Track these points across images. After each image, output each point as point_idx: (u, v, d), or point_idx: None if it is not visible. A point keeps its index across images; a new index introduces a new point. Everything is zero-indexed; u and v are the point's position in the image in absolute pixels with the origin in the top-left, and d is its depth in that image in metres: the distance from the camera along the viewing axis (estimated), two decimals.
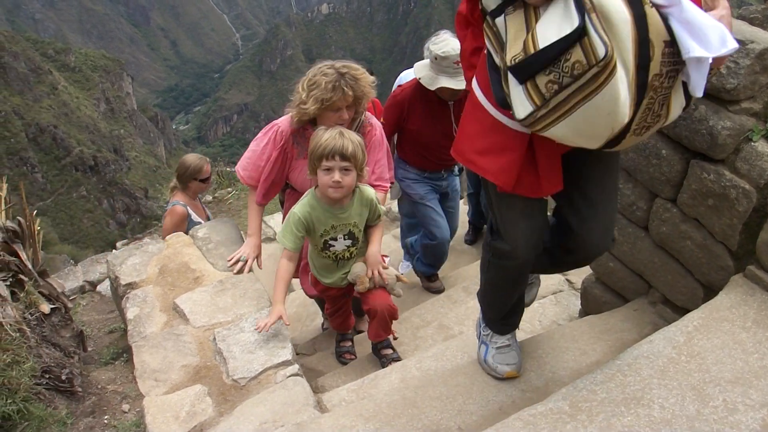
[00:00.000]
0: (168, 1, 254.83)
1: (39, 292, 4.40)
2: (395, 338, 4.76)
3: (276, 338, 4.02)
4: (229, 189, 13.77)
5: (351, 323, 4.97)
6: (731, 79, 2.77)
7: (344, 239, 4.10)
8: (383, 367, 4.31)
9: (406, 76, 6.37)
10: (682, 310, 3.29)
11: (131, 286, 4.72)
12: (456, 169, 6.09)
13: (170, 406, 3.65)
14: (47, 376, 3.84)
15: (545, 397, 2.63)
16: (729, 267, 3.04)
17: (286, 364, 3.85)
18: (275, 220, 10.26)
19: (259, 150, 4.56)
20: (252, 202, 4.73)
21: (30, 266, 4.48)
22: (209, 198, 13.20)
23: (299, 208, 3.98)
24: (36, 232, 4.94)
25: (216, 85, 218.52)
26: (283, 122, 4.51)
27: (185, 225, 6.13)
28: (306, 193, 4.08)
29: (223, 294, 4.47)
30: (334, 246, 4.11)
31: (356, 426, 2.91)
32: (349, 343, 5.01)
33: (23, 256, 4.47)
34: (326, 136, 3.74)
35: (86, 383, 4.16)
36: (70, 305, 4.71)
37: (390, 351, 4.58)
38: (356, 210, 4.06)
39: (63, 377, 3.95)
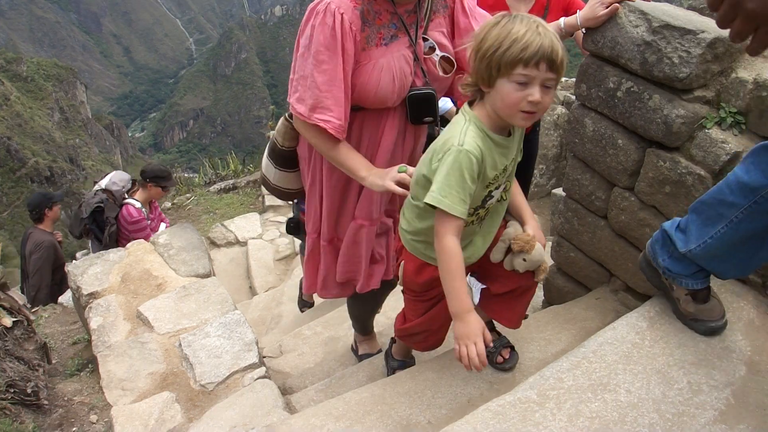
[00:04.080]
0: (120, 8, 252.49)
1: (0, 306, 4.35)
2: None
3: (242, 342, 4.01)
4: (188, 195, 13.70)
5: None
6: (684, 68, 2.81)
7: (503, 184, 2.70)
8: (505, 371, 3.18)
9: None
10: (643, 297, 3.33)
11: (93, 295, 4.68)
12: None
13: (139, 414, 3.63)
14: (12, 390, 3.80)
15: (513, 388, 2.65)
16: None
17: (253, 367, 3.85)
18: (236, 224, 10.22)
19: (324, 57, 2.81)
20: (334, 145, 2.99)
21: None
22: (168, 204, 13.13)
23: (470, 144, 2.41)
24: None
25: (171, 90, 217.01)
26: None
27: None
28: (461, 117, 2.53)
29: (186, 300, 4.45)
30: (491, 199, 2.67)
31: (327, 425, 2.91)
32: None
33: None
34: (521, 29, 2.25)
35: (52, 396, 4.12)
36: (32, 318, 4.66)
37: (509, 349, 3.25)
38: (519, 136, 2.69)
39: (28, 390, 3.91)
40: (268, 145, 3.57)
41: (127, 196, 6.82)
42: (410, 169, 2.82)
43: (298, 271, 6.46)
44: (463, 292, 2.52)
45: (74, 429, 3.88)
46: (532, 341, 3.35)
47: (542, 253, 2.79)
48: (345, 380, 3.75)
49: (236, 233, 9.95)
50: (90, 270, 4.95)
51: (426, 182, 2.54)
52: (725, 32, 2.82)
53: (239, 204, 12.70)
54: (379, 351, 4.25)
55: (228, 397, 3.66)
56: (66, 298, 7.14)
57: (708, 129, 2.84)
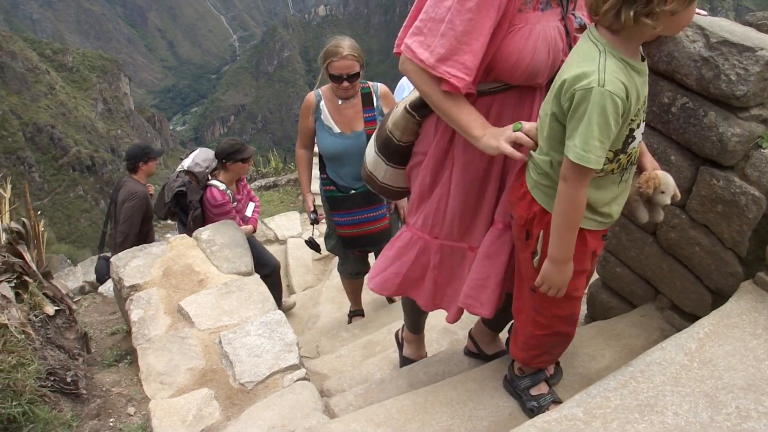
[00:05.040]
0: (165, 2, 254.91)
1: (43, 294, 4.40)
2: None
3: (282, 342, 4.02)
4: None
5: None
6: (741, 85, 2.77)
7: (642, 120, 2.46)
8: (532, 413, 2.93)
9: (406, 82, 6.19)
10: (689, 316, 3.29)
11: (135, 288, 4.72)
12: None
13: (177, 409, 3.65)
14: (52, 378, 3.84)
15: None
16: (738, 273, 3.03)
17: (293, 368, 3.85)
18: (276, 222, 10.22)
19: (472, 5, 2.44)
20: (450, 97, 2.60)
21: (34, 267, 4.48)
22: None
23: (612, 82, 2.16)
24: (40, 233, 4.94)
25: (213, 86, 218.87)
26: None
27: (308, 119, 5.19)
28: (592, 45, 2.26)
29: (228, 297, 4.47)
30: (634, 140, 2.42)
31: (367, 431, 2.90)
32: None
33: (27, 257, 4.47)
34: None
35: (91, 385, 4.16)
36: (74, 307, 4.71)
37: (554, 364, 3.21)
38: None
39: (68, 379, 3.95)
40: (378, 140, 3.20)
41: (210, 178, 6.40)
42: (526, 124, 2.54)
43: (336, 272, 6.45)
44: (574, 242, 2.45)
45: (111, 420, 3.91)
46: (575, 356, 3.32)
47: (667, 174, 2.68)
48: (385, 386, 3.74)
49: (276, 231, 9.97)
50: (132, 262, 5.00)
51: (556, 123, 2.34)
52: None
53: (279, 202, 12.75)
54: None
55: (267, 398, 3.67)
56: (106, 287, 7.19)
57: (764, 149, 2.80)
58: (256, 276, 4.81)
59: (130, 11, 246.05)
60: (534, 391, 3.03)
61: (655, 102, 3.19)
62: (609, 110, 2.14)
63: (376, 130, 3.26)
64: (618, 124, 2.21)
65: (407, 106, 2.97)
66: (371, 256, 5.74)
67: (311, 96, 5.16)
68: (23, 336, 3.76)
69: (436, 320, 4.86)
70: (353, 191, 5.10)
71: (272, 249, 9.74)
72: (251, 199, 6.70)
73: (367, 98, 4.99)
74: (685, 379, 2.55)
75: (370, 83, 5.08)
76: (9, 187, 5.01)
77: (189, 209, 6.05)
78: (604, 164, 2.33)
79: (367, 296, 6.30)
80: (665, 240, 3.34)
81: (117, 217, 7.03)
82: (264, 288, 4.58)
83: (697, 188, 3.05)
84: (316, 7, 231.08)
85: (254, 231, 6.48)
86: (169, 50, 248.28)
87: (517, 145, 2.51)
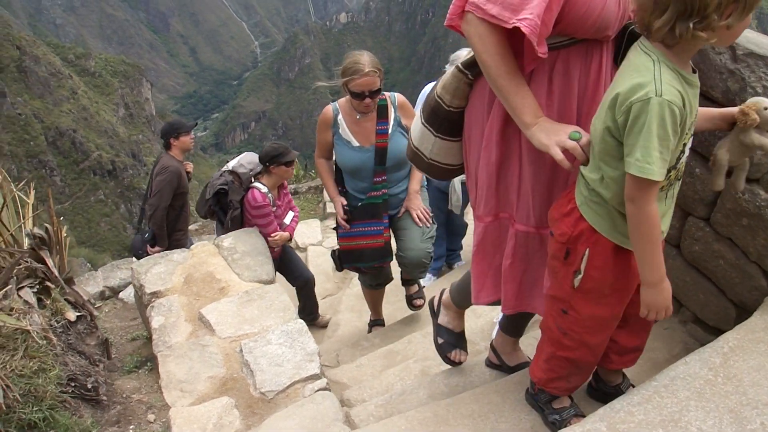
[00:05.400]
0: (187, 8, 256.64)
1: (65, 300, 4.43)
2: None
3: (303, 351, 4.01)
4: None
5: None
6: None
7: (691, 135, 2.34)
8: (554, 427, 2.93)
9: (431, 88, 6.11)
10: (713, 330, 3.26)
11: (156, 294, 4.74)
12: None
13: (197, 417, 3.66)
14: (73, 384, 3.86)
15: None
16: (763, 287, 3.00)
17: (314, 378, 3.85)
18: (296, 230, 10.17)
19: None
20: (510, 70, 2.41)
21: (56, 273, 4.50)
22: None
23: (669, 91, 2.08)
24: (63, 239, 4.96)
25: (234, 92, 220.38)
26: None
27: (326, 133, 5.08)
28: (645, 56, 2.16)
29: (249, 305, 4.47)
30: (683, 156, 2.34)
31: None
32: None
33: (50, 263, 4.49)
34: None
35: (111, 392, 4.18)
36: (95, 313, 4.73)
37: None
38: None
39: (88, 385, 3.97)
40: (426, 109, 2.91)
41: (254, 180, 6.28)
42: (584, 135, 2.38)
43: (356, 281, 6.44)
44: (662, 259, 2.32)
45: (131, 427, 3.92)
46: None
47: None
48: (405, 397, 3.71)
49: (296, 239, 9.93)
50: (154, 269, 5.02)
51: (611, 138, 2.23)
52: None
53: (300, 210, 12.73)
54: (461, 333, 3.73)
55: (287, 407, 3.67)
56: (127, 293, 7.23)
57: None
58: (278, 284, 4.81)
59: (153, 17, 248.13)
60: (556, 405, 2.98)
61: None
62: (668, 120, 2.07)
63: (424, 100, 2.96)
64: (677, 134, 2.12)
65: (459, 64, 2.71)
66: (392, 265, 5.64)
67: (328, 110, 5.03)
68: (45, 342, 3.79)
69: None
70: (360, 203, 5.02)
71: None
72: (291, 209, 6.66)
73: (381, 111, 4.88)
74: (709, 394, 2.52)
75: (387, 94, 4.95)
76: (32, 192, 5.03)
77: (229, 208, 6.04)
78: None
79: (388, 306, 6.29)
80: (689, 253, 3.32)
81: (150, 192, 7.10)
82: (285, 297, 4.58)
83: (721, 201, 3.03)
84: (338, 14, 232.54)
85: (290, 239, 6.45)
86: (191, 56, 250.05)
87: (568, 154, 2.37)
